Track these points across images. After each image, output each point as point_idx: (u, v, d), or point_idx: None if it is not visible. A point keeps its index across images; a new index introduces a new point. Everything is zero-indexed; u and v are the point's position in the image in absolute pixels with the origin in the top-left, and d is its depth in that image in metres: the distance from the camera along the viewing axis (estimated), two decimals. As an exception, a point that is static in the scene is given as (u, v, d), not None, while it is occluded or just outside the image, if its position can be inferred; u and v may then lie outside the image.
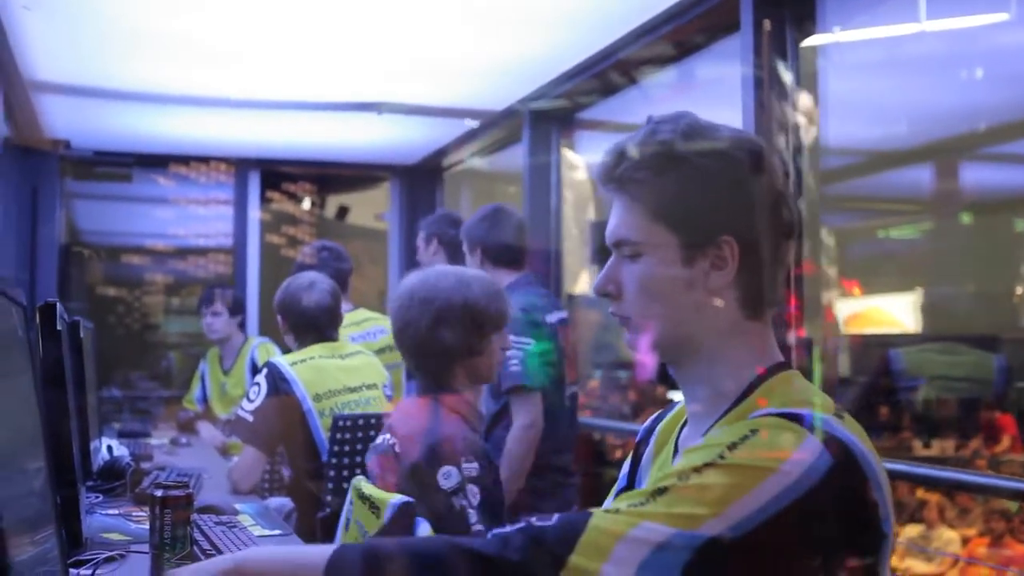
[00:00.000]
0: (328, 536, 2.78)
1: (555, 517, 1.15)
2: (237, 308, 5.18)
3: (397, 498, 2.00)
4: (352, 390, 3.34)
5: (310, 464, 3.19)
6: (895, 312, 6.93)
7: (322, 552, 1.20)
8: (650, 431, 1.47)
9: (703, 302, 1.27)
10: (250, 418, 3.12)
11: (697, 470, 1.12)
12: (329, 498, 3.07)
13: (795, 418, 1.16)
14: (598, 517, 1.13)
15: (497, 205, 3.66)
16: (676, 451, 1.36)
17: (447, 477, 2.11)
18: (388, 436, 2.24)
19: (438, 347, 2.27)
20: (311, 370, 3.25)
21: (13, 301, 1.45)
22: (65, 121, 5.34)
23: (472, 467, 2.13)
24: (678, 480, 1.12)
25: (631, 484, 1.46)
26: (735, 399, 1.25)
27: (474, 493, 2.13)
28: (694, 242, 1.25)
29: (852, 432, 1.17)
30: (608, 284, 1.31)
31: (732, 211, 1.26)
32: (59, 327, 1.93)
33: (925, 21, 3.52)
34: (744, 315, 1.28)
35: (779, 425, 1.15)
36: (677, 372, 1.32)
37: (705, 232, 1.25)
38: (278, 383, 3.17)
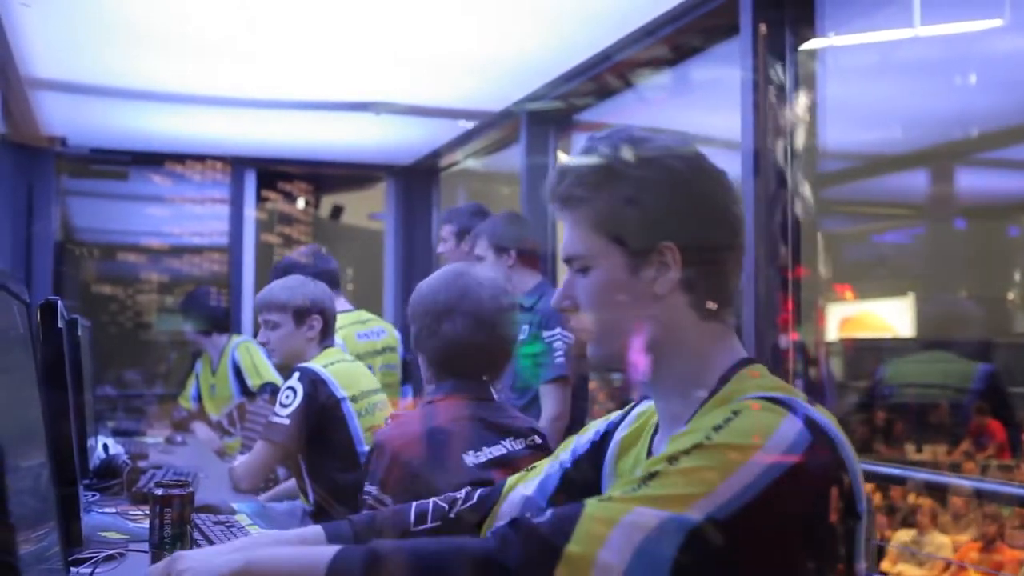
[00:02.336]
0: None
1: (548, 511, 1.18)
2: (208, 312, 5.21)
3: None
4: (376, 391, 3.35)
5: (345, 467, 3.16)
6: (888, 316, 6.96)
7: (326, 552, 1.21)
8: (607, 433, 1.51)
9: (655, 309, 1.31)
10: (287, 422, 3.07)
11: (686, 452, 1.14)
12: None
13: (773, 401, 1.19)
14: (591, 506, 1.15)
15: (510, 211, 3.75)
16: (650, 452, 1.39)
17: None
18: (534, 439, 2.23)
19: (450, 348, 2.24)
20: (343, 372, 3.24)
21: (16, 298, 1.45)
22: (62, 118, 5.33)
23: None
24: (668, 464, 1.14)
25: (590, 467, 1.49)
26: (708, 395, 1.29)
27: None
28: (636, 251, 1.31)
29: (825, 417, 1.21)
30: (565, 299, 1.37)
31: (670, 218, 1.30)
32: (60, 325, 1.93)
33: (921, 26, 3.54)
34: (698, 316, 1.32)
35: (760, 406, 1.18)
36: (645, 378, 1.35)
37: (646, 240, 1.30)
38: (317, 386, 3.13)
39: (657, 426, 1.40)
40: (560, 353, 3.53)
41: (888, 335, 6.83)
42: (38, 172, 5.59)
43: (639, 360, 1.33)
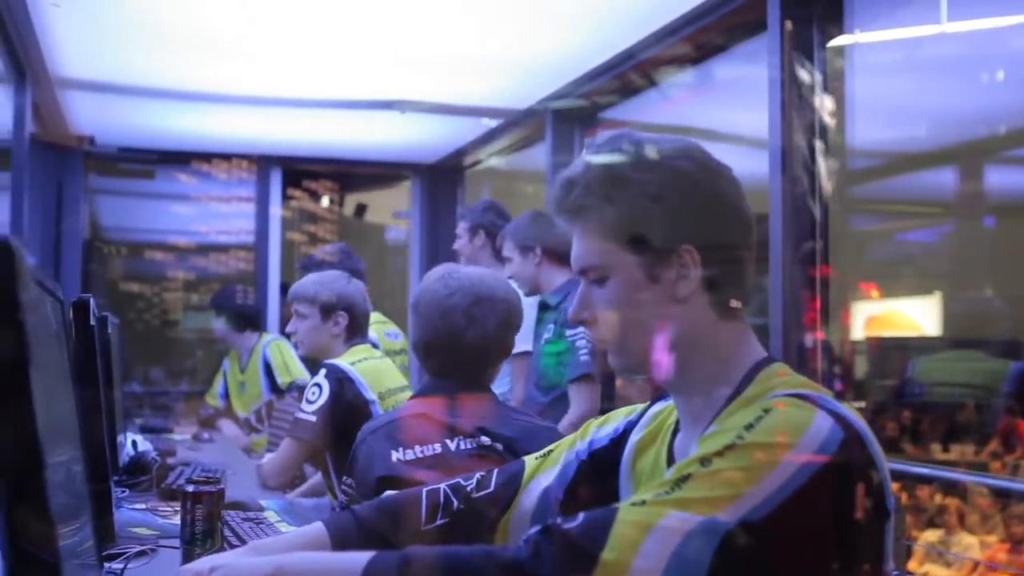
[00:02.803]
0: None
1: (580, 516, 1.16)
2: (237, 310, 5.23)
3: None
4: (403, 388, 3.36)
5: None
6: (914, 315, 6.91)
7: (359, 558, 1.20)
8: (624, 433, 1.49)
9: (676, 312, 1.29)
10: (313, 418, 3.08)
11: (718, 454, 1.12)
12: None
13: (803, 398, 1.18)
14: (624, 511, 1.13)
15: (534, 210, 3.77)
16: (671, 459, 1.37)
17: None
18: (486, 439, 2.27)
19: (466, 347, 2.28)
20: (370, 370, 3.25)
21: (52, 295, 1.47)
22: (90, 118, 5.37)
23: None
24: (700, 466, 1.13)
25: (607, 463, 1.47)
26: (730, 395, 1.27)
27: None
28: (654, 258, 1.28)
29: (852, 413, 1.19)
30: (583, 311, 1.34)
31: (684, 220, 1.28)
32: (92, 322, 1.95)
33: (948, 22, 3.51)
34: (718, 316, 1.30)
35: (790, 403, 1.17)
36: (666, 380, 1.34)
37: (663, 244, 1.28)
38: (343, 383, 3.14)
39: (677, 426, 1.39)
40: (585, 351, 3.51)
41: (914, 334, 6.78)
42: (67, 171, 5.64)
43: (661, 363, 1.31)
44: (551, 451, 1.56)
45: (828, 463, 1.11)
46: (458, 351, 2.27)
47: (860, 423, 1.18)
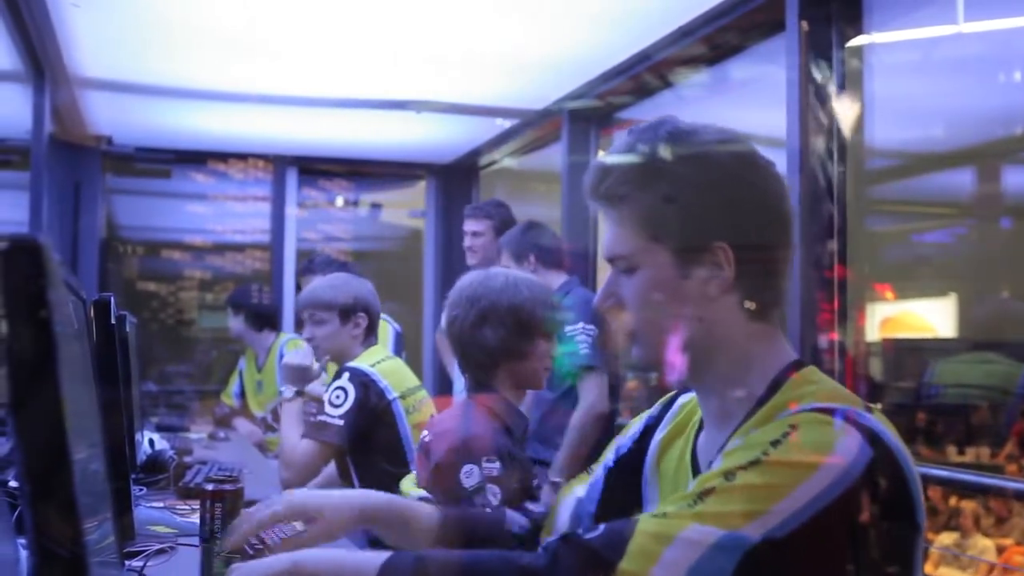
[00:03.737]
0: None
1: (601, 526, 1.14)
2: (253, 309, 5.24)
3: (416, 494, 2.02)
4: (419, 387, 3.37)
5: (394, 465, 3.18)
6: (929, 317, 6.88)
7: (376, 557, 1.19)
8: (650, 428, 1.46)
9: (704, 310, 1.25)
10: (340, 422, 3.08)
11: (743, 468, 1.10)
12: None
13: (831, 413, 1.14)
14: (644, 522, 1.11)
15: (527, 220, 3.89)
16: (695, 459, 1.34)
17: (468, 476, 2.12)
18: (426, 433, 2.27)
19: (481, 347, 2.28)
20: (390, 370, 3.25)
21: (75, 294, 1.47)
22: (108, 117, 5.40)
23: (493, 467, 2.14)
24: (724, 480, 1.10)
25: (631, 467, 1.45)
26: (758, 399, 1.24)
27: (495, 493, 2.14)
28: (687, 252, 1.24)
29: (884, 425, 1.16)
30: (608, 298, 1.31)
31: (722, 216, 1.24)
32: (112, 322, 1.96)
33: (965, 23, 3.50)
34: (748, 318, 1.26)
35: (817, 420, 1.13)
36: (689, 379, 1.31)
37: (697, 240, 1.24)
38: (368, 387, 3.14)
39: (701, 424, 1.36)
40: (585, 345, 3.59)
41: (929, 335, 6.76)
42: (85, 170, 5.67)
43: (685, 361, 1.28)
44: (592, 468, 1.54)
45: (855, 483, 1.08)
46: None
47: (892, 437, 1.15)
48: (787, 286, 1.32)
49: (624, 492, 1.44)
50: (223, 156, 6.27)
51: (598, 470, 1.51)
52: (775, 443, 1.11)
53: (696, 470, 1.32)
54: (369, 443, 3.15)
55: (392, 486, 3.13)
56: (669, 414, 1.44)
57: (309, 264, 4.79)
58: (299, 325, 3.61)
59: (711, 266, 1.24)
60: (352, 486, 3.18)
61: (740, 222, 1.24)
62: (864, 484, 1.09)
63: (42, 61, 4.14)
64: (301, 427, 3.22)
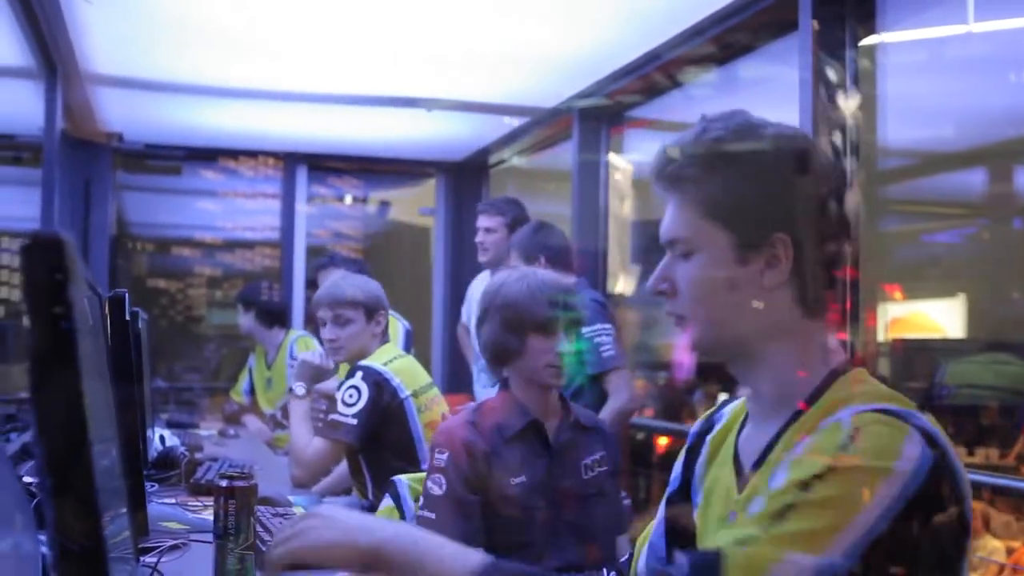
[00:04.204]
0: None
1: (684, 563, 1.12)
2: (263, 307, 5.24)
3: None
4: (431, 385, 3.37)
5: (406, 463, 3.18)
6: (938, 317, 6.87)
7: (468, 557, 1.17)
8: (701, 436, 1.46)
9: (758, 301, 1.25)
10: (353, 421, 3.07)
11: (818, 477, 1.09)
12: None
13: (891, 414, 1.14)
14: (733, 555, 1.09)
15: (537, 221, 3.91)
16: (736, 452, 1.34)
17: (428, 464, 2.28)
18: None
19: (482, 345, 2.38)
20: (403, 369, 3.24)
21: (92, 290, 1.48)
22: (119, 114, 5.41)
23: (441, 458, 2.20)
24: (801, 492, 1.09)
25: (685, 489, 1.45)
26: (808, 398, 1.23)
27: (438, 482, 2.19)
28: (747, 240, 1.24)
29: (935, 426, 1.16)
30: (662, 282, 1.31)
31: (785, 209, 1.24)
32: (127, 318, 1.96)
33: (976, 22, 3.49)
34: (801, 313, 1.26)
35: (880, 422, 1.13)
36: (736, 371, 1.31)
37: (758, 230, 1.24)
38: (381, 386, 3.13)
39: (744, 421, 1.36)
40: (608, 347, 3.61)
41: (938, 336, 6.74)
42: (96, 167, 5.68)
43: (735, 351, 1.28)
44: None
45: (922, 486, 1.08)
46: None
47: (944, 438, 1.15)
48: (840, 285, 1.31)
49: (684, 528, 1.43)
50: (233, 153, 6.28)
51: (658, 515, 1.50)
52: (843, 447, 1.10)
53: (738, 467, 1.32)
54: (381, 441, 3.15)
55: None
56: (721, 416, 1.45)
57: (330, 260, 4.79)
58: (309, 321, 3.63)
59: (769, 257, 1.24)
60: (364, 483, 3.18)
61: (801, 216, 1.25)
62: (929, 487, 1.09)
63: (54, 58, 4.15)
64: (309, 425, 3.22)
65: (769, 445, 1.25)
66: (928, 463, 1.10)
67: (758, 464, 1.26)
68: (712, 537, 1.29)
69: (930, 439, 1.12)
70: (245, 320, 5.23)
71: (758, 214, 1.24)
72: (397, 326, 4.70)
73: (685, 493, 1.45)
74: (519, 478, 2.28)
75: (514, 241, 3.88)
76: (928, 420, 1.16)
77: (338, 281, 3.32)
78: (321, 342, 3.45)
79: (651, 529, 1.52)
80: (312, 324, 3.46)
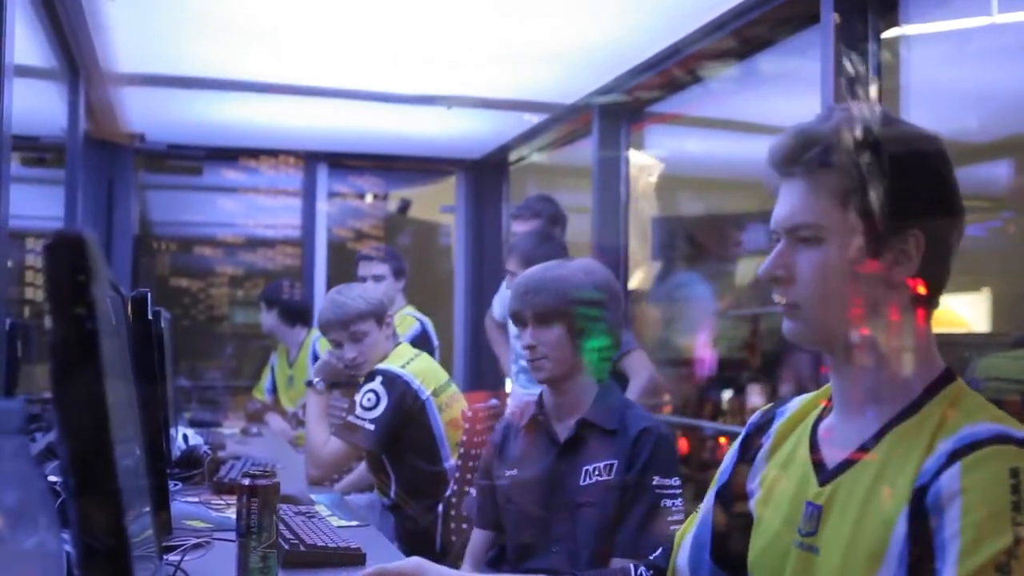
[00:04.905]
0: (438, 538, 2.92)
1: None
2: (286, 305, 5.26)
3: None
4: (450, 382, 3.37)
5: (428, 461, 3.19)
6: (963, 312, 6.82)
7: None
8: (761, 428, 1.45)
9: (880, 295, 1.24)
10: (371, 427, 3.07)
11: (1009, 553, 1.07)
12: (454, 489, 3.11)
13: None
14: None
15: (543, 229, 3.94)
16: (814, 440, 1.33)
17: None
18: None
19: None
20: (422, 369, 3.25)
21: (115, 290, 1.48)
22: (140, 115, 5.44)
23: None
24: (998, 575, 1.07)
25: (737, 481, 1.44)
26: (910, 403, 1.23)
27: None
28: (881, 232, 1.23)
29: None
30: (778, 268, 1.28)
31: (922, 204, 1.24)
32: (150, 317, 1.97)
33: (999, 14, 3.46)
34: (917, 313, 1.26)
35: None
36: (835, 363, 1.29)
37: (895, 224, 1.23)
38: (402, 389, 3.13)
39: (822, 412, 1.34)
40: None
41: (962, 330, 6.70)
42: (118, 168, 5.71)
43: (839, 345, 1.26)
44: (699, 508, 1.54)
45: None
46: None
47: None
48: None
49: (734, 517, 1.43)
50: (254, 152, 6.30)
51: (703, 509, 1.50)
52: (1017, 507, 1.08)
53: (816, 458, 1.31)
54: (404, 441, 3.16)
55: (427, 483, 3.14)
56: (783, 410, 1.44)
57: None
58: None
59: (899, 252, 1.23)
60: (387, 483, 3.19)
61: (937, 214, 1.25)
62: None
63: (76, 59, 4.18)
64: (326, 422, 3.22)
65: (869, 441, 1.24)
66: None
67: (856, 457, 1.25)
68: (776, 526, 1.29)
69: None
70: (268, 318, 5.25)
71: (896, 208, 1.23)
72: (413, 322, 4.69)
73: (737, 486, 1.45)
74: (513, 471, 2.29)
75: (517, 247, 3.84)
76: None
77: (336, 299, 3.25)
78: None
79: (693, 523, 1.51)
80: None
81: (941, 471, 1.14)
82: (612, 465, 2.14)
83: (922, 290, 1.25)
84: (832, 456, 1.29)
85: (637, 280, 5.15)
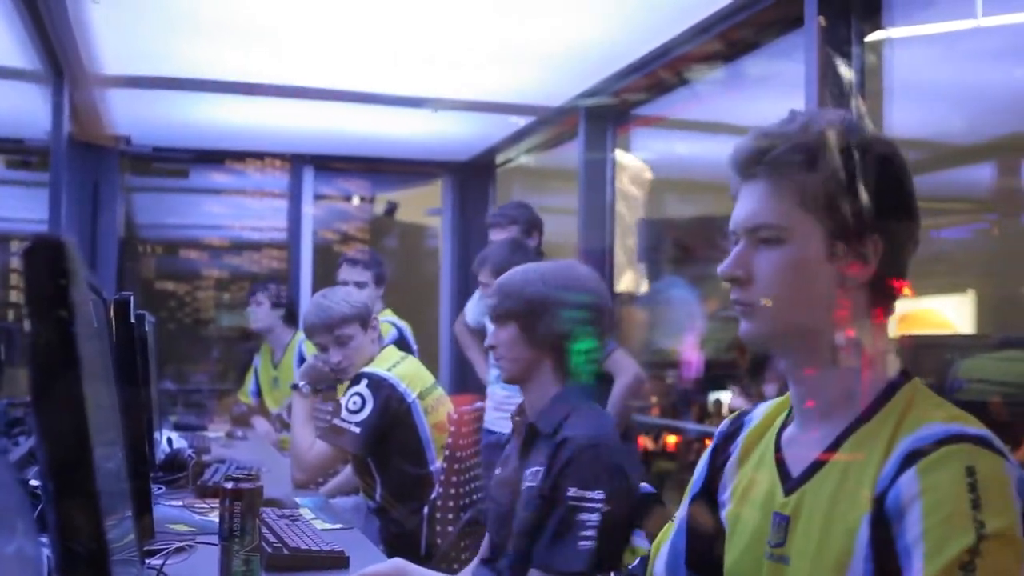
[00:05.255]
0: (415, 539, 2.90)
1: None
2: (279, 302, 5.25)
3: None
4: (435, 385, 3.37)
5: (414, 464, 3.18)
6: (948, 313, 6.84)
7: None
8: (729, 437, 1.45)
9: (838, 297, 1.25)
10: (357, 430, 3.07)
11: (972, 552, 1.07)
12: (439, 491, 3.11)
13: (986, 443, 1.14)
14: None
15: (511, 238, 3.94)
16: (779, 449, 1.33)
17: None
18: None
19: None
20: (407, 372, 3.24)
21: (96, 293, 1.48)
22: (125, 117, 5.41)
23: None
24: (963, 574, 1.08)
25: (710, 490, 1.45)
26: (867, 406, 1.23)
27: None
28: (842, 235, 1.24)
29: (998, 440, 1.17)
30: (737, 268, 1.28)
31: (882, 210, 1.24)
32: (132, 321, 1.97)
33: (984, 17, 3.48)
34: (871, 317, 1.26)
35: (985, 457, 1.13)
36: (791, 367, 1.30)
37: (854, 227, 1.24)
38: (387, 393, 3.13)
39: (786, 420, 1.34)
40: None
41: (947, 332, 6.72)
42: (103, 170, 5.68)
43: (794, 348, 1.27)
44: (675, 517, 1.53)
45: None
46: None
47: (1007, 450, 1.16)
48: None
49: (709, 530, 1.43)
50: (240, 155, 6.29)
51: (679, 517, 1.50)
52: (976, 505, 1.09)
53: (781, 467, 1.31)
54: (390, 444, 3.15)
55: (412, 486, 3.14)
56: (750, 417, 1.44)
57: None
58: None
59: (858, 255, 1.24)
60: (373, 486, 3.18)
61: (895, 219, 1.26)
62: None
63: (60, 60, 4.16)
64: (312, 425, 3.22)
65: (829, 447, 1.24)
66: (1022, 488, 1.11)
67: (819, 464, 1.25)
68: (747, 537, 1.30)
69: (1011, 461, 1.13)
70: (266, 315, 5.21)
71: (857, 211, 1.24)
72: (390, 329, 4.68)
73: (709, 494, 1.45)
74: (497, 470, 2.30)
75: (489, 257, 3.82)
76: (994, 436, 1.17)
77: (321, 303, 3.26)
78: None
79: (670, 531, 1.51)
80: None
81: (899, 475, 1.14)
82: (539, 471, 2.08)
83: (879, 293, 1.26)
84: (796, 465, 1.29)
85: (624, 283, 5.15)
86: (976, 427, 1.17)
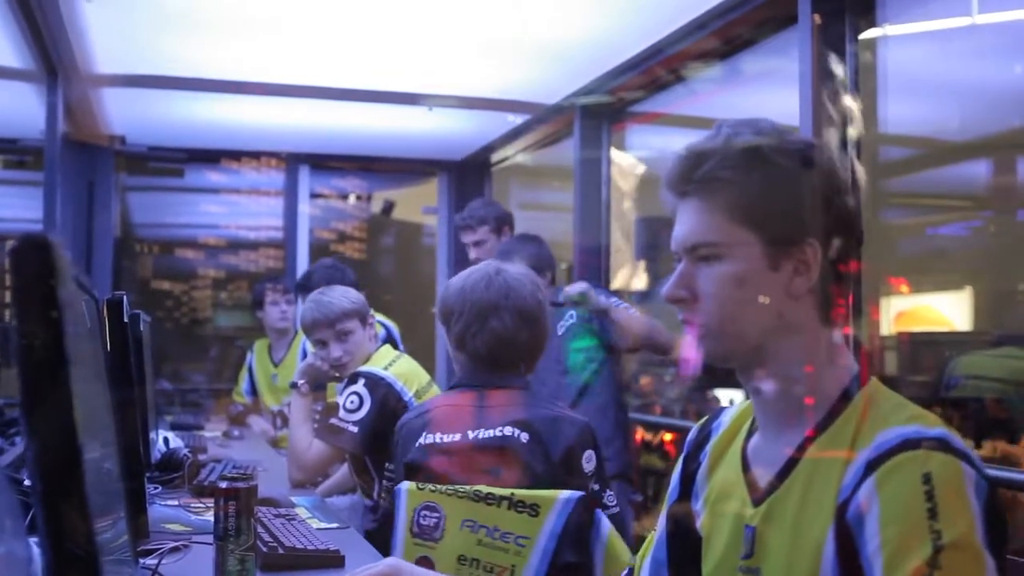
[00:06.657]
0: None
1: None
2: (258, 305, 5.24)
3: (568, 493, 2.05)
4: (430, 384, 3.36)
5: None
6: (945, 310, 6.85)
7: None
8: (699, 445, 1.45)
9: (784, 307, 1.24)
10: (354, 429, 3.06)
11: (929, 564, 1.07)
12: None
13: (943, 445, 1.13)
14: None
15: (522, 233, 3.96)
16: (745, 459, 1.33)
17: (588, 461, 2.18)
18: (510, 429, 2.21)
19: None
20: (404, 371, 3.24)
21: (87, 293, 1.47)
22: (120, 116, 5.41)
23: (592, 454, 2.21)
24: None
25: (685, 498, 1.44)
26: (826, 412, 1.23)
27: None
28: (779, 246, 1.23)
29: (961, 440, 1.16)
30: (680, 289, 1.27)
31: (815, 214, 1.24)
32: (125, 320, 1.96)
33: (980, 14, 3.48)
34: (821, 321, 1.26)
35: (941, 461, 1.12)
36: (748, 381, 1.29)
37: (791, 236, 1.23)
38: (385, 392, 3.12)
39: (751, 430, 1.34)
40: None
41: (944, 329, 6.72)
42: (98, 170, 5.68)
43: (749, 361, 1.26)
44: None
45: (997, 520, 1.10)
46: (488, 346, 2.29)
47: (969, 450, 1.15)
48: (850, 289, 1.31)
49: (686, 540, 1.42)
50: (236, 154, 6.28)
51: (659, 527, 1.49)
52: (932, 514, 1.09)
53: (749, 477, 1.31)
54: (387, 444, 3.15)
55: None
56: (719, 425, 1.43)
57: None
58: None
59: (799, 263, 1.23)
60: (370, 485, 3.18)
61: (829, 222, 1.24)
62: (1000, 518, 1.10)
63: (54, 60, 4.15)
64: (310, 425, 3.21)
65: (793, 456, 1.24)
66: (986, 490, 1.11)
67: (783, 475, 1.25)
68: (720, 550, 1.30)
69: (975, 464, 1.13)
70: (293, 311, 5.18)
71: (791, 220, 1.23)
72: (378, 328, 4.65)
73: (686, 504, 1.44)
74: None
75: (501, 252, 3.84)
76: (956, 436, 1.16)
77: (321, 299, 3.25)
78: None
79: (651, 543, 1.50)
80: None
81: (859, 485, 1.14)
82: None
83: (826, 298, 1.25)
84: (762, 475, 1.29)
85: (621, 280, 5.15)
86: (935, 426, 1.16)
